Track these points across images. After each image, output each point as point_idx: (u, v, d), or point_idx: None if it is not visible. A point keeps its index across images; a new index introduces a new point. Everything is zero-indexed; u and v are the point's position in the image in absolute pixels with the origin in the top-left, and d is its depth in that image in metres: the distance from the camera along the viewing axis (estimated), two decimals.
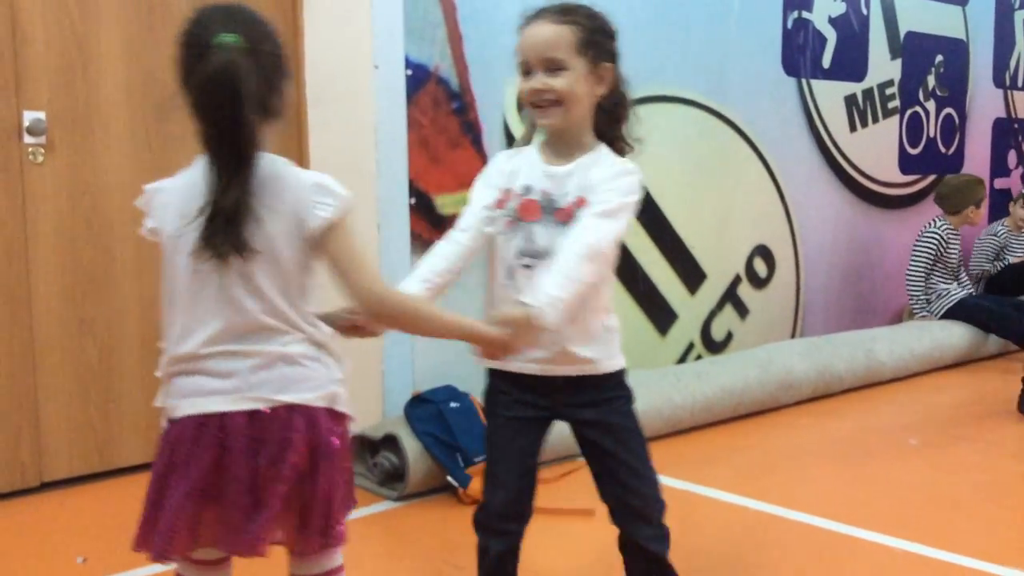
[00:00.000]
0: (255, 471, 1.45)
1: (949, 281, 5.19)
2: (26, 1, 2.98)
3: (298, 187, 1.47)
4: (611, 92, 1.80)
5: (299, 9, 3.56)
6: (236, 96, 1.39)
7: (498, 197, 1.81)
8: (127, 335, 3.23)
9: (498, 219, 1.79)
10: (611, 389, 1.86)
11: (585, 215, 1.72)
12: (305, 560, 1.62)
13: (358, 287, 1.49)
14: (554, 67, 1.73)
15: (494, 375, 1.89)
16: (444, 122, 3.52)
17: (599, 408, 1.85)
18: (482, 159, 3.60)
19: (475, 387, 3.28)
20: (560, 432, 3.32)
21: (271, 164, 1.48)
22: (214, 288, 1.46)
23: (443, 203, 3.53)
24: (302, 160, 3.60)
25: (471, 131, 3.58)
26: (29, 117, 3.00)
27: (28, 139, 3.01)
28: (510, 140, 3.61)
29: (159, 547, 1.46)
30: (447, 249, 1.83)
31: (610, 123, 1.83)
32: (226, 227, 1.42)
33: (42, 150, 3.04)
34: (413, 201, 3.45)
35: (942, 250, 5.13)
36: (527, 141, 1.87)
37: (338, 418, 1.54)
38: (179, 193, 1.50)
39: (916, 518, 2.86)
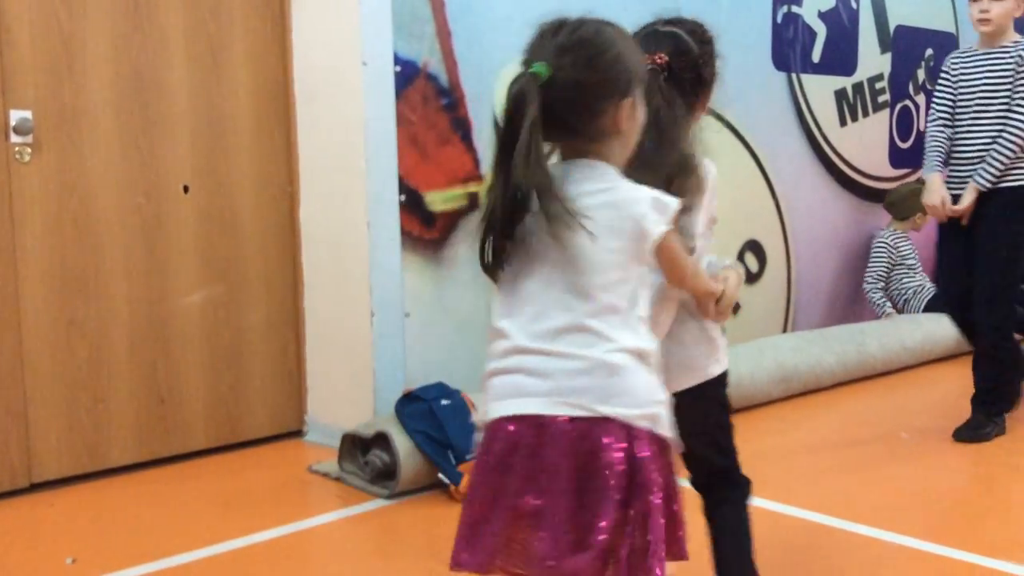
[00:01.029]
0: (580, 483, 1.35)
1: (915, 277, 5.27)
2: None
3: (637, 201, 1.43)
4: None
5: (287, 6, 3.55)
6: (518, 121, 1.37)
7: None
8: (116, 335, 3.22)
9: None
10: None
11: None
12: None
13: (685, 282, 1.64)
14: None
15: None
16: (434, 118, 3.50)
17: None
18: (472, 155, 3.59)
19: (466, 384, 3.28)
20: None
21: (606, 178, 1.45)
22: (540, 284, 1.42)
23: (433, 200, 3.51)
24: (291, 158, 3.59)
25: (461, 127, 3.57)
26: (15, 116, 2.98)
27: (14, 138, 2.99)
28: None
29: (472, 564, 1.41)
30: None
31: None
32: (500, 227, 1.41)
33: (28, 149, 3.02)
34: (403, 198, 3.43)
35: (893, 256, 5.26)
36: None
37: (658, 443, 1.41)
38: None
39: (907, 512, 2.87)
